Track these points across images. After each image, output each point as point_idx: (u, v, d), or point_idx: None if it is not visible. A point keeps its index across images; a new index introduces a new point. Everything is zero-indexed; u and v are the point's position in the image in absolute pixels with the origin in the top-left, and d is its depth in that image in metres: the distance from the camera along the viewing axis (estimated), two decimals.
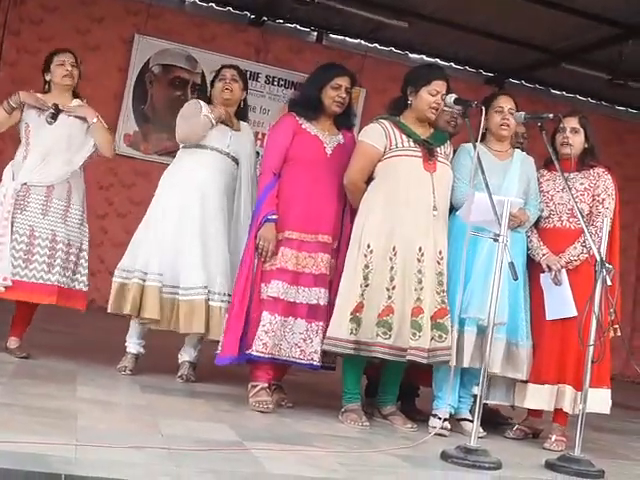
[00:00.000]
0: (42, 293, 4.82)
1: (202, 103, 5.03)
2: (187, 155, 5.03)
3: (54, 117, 4.93)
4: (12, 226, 4.79)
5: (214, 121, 4.91)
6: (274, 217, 4.41)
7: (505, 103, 4.66)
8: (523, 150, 4.90)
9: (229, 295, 4.77)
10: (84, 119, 5.01)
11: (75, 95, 5.13)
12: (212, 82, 5.20)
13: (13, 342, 4.91)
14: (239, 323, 4.36)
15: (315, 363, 4.41)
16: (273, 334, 4.32)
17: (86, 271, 5.06)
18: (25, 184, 4.85)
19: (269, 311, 4.35)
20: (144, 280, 4.79)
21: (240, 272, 4.46)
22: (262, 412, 4.23)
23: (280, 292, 4.35)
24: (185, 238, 4.85)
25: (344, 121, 4.73)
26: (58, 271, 4.85)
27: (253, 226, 4.46)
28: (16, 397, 3.69)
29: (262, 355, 4.31)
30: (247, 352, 4.34)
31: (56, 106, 4.96)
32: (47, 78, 5.08)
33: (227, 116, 5.01)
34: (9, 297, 4.80)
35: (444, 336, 4.30)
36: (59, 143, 4.94)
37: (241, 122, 5.18)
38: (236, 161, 5.03)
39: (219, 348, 4.42)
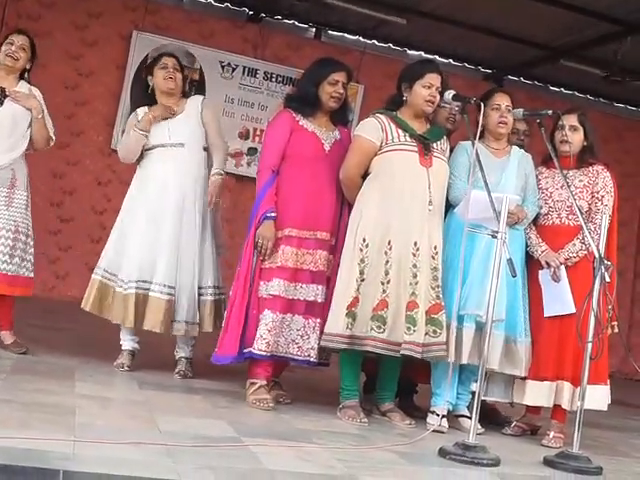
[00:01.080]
0: (25, 286, 4.83)
1: (139, 112, 5.04)
2: (144, 158, 5.04)
3: (0, 103, 4.80)
4: None
5: (144, 132, 4.90)
6: (273, 215, 4.40)
7: (502, 100, 4.66)
8: (523, 147, 4.90)
9: (170, 287, 4.80)
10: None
11: (22, 78, 4.99)
12: (150, 69, 5.13)
13: (7, 337, 4.89)
14: (239, 322, 4.35)
15: (312, 359, 4.43)
16: (275, 332, 4.33)
17: (32, 257, 4.96)
18: None
19: (271, 309, 4.35)
20: (99, 275, 4.92)
21: (239, 271, 4.45)
22: (262, 408, 4.24)
23: (281, 290, 4.35)
24: (134, 234, 4.89)
25: (340, 117, 4.72)
26: (3, 259, 4.77)
27: (252, 224, 4.44)
28: (14, 393, 3.69)
29: (264, 353, 4.31)
30: (247, 350, 4.34)
31: (2, 90, 4.82)
32: None
33: (161, 112, 4.94)
34: None
35: (439, 331, 4.30)
36: (2, 129, 4.81)
37: (188, 99, 5.13)
38: (183, 145, 4.98)
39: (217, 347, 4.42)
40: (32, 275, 4.97)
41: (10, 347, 4.84)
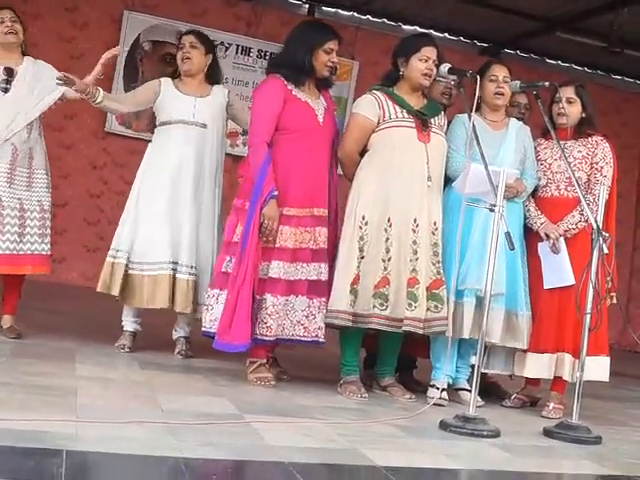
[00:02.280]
0: (16, 264, 4.74)
1: (162, 80, 5.02)
2: (159, 134, 5.01)
3: (8, 82, 4.70)
4: None
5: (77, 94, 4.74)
6: (276, 193, 4.25)
7: (499, 72, 4.64)
8: (524, 121, 4.88)
9: (195, 267, 4.82)
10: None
11: (24, 53, 4.90)
12: (177, 49, 5.13)
13: (7, 321, 4.89)
14: (248, 307, 4.19)
15: (320, 339, 4.39)
16: (277, 316, 4.28)
17: (49, 233, 4.91)
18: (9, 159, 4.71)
19: (271, 293, 4.28)
20: (115, 257, 4.85)
21: (244, 253, 4.24)
22: (263, 385, 4.25)
23: (281, 272, 4.28)
24: (156, 214, 4.85)
25: (325, 82, 4.57)
26: (29, 240, 4.76)
27: (256, 204, 4.24)
28: (15, 376, 3.69)
29: (267, 338, 4.28)
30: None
31: (9, 71, 4.73)
32: None
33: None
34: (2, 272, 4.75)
35: (440, 307, 4.31)
36: (18, 109, 4.71)
37: (214, 86, 5.10)
38: (205, 127, 4.97)
39: (207, 325, 4.35)
40: (50, 253, 4.93)
41: (5, 331, 4.82)
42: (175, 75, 5.10)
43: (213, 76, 5.12)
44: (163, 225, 4.83)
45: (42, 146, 4.94)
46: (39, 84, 4.82)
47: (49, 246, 4.88)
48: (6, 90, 4.72)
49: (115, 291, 4.79)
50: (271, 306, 4.26)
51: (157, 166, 4.92)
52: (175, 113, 4.93)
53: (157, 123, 5.05)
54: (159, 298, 4.77)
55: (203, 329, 4.41)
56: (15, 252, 4.71)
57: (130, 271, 4.81)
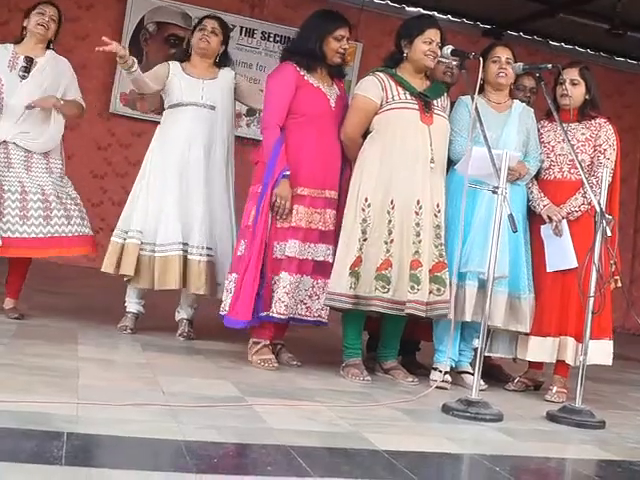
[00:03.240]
0: (44, 247, 4.76)
1: (170, 64, 5.04)
2: (169, 115, 5.02)
3: (27, 71, 4.78)
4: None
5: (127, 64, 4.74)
6: (288, 173, 4.30)
7: (502, 53, 4.61)
8: (530, 104, 4.85)
9: (208, 249, 4.82)
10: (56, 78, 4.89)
11: (49, 47, 4.98)
12: (193, 31, 5.12)
13: (8, 303, 4.89)
14: (254, 285, 4.24)
15: (323, 320, 4.42)
16: (292, 294, 4.30)
17: (85, 216, 4.97)
18: (4, 142, 4.74)
19: (288, 271, 4.29)
20: (125, 239, 4.83)
21: (253, 233, 4.31)
22: (266, 367, 4.25)
23: (296, 251, 4.30)
24: (166, 196, 4.84)
25: (338, 70, 4.64)
26: (57, 222, 4.77)
27: (268, 184, 4.30)
28: (17, 357, 3.70)
29: (283, 317, 4.29)
30: (263, 314, 4.28)
31: (29, 59, 4.79)
32: (25, 24, 4.93)
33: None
34: (7, 255, 4.75)
35: (442, 289, 4.30)
36: (33, 98, 4.76)
37: (221, 69, 5.10)
38: (214, 109, 4.98)
39: (225, 308, 4.36)
40: (91, 233, 4.96)
41: (6, 312, 4.83)
42: (183, 58, 5.10)
43: (221, 62, 5.14)
44: (173, 206, 4.83)
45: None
46: (57, 78, 4.91)
47: (76, 228, 4.88)
48: (24, 77, 4.79)
49: (129, 271, 4.77)
50: (288, 284, 4.29)
51: (167, 148, 4.93)
52: (184, 95, 4.94)
53: (166, 106, 5.06)
54: (170, 279, 4.76)
55: (220, 312, 4.41)
56: (41, 235, 4.74)
57: (141, 252, 4.81)
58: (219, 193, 4.96)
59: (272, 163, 4.33)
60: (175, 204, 4.83)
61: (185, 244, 4.81)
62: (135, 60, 4.80)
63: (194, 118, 4.92)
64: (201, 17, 5.25)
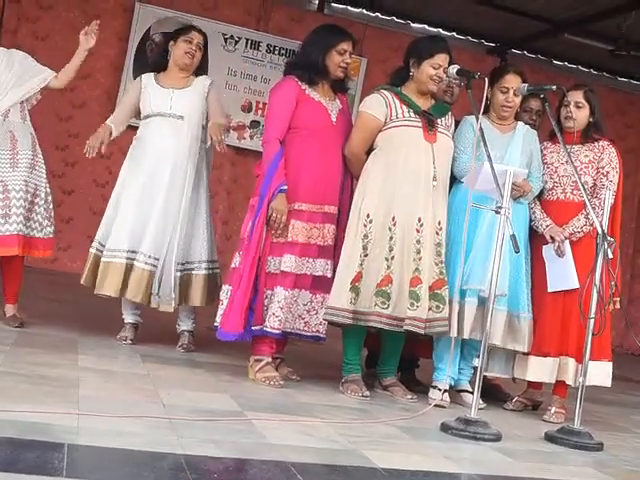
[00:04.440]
0: (9, 244, 4.71)
1: (143, 77, 5.04)
2: (142, 127, 5.02)
3: None
4: None
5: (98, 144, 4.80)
6: (285, 188, 4.31)
7: (511, 83, 4.60)
8: (535, 126, 4.87)
9: (155, 258, 4.80)
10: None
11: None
12: (175, 36, 5.07)
13: (9, 310, 4.89)
14: (245, 298, 4.26)
15: (321, 335, 4.42)
16: (287, 309, 4.31)
17: (46, 216, 4.93)
18: None
19: (283, 286, 4.30)
20: (91, 247, 4.90)
21: (248, 246, 4.32)
22: (270, 385, 4.22)
23: (292, 266, 4.31)
24: (127, 204, 4.86)
25: (340, 85, 4.64)
26: (15, 220, 4.73)
27: (264, 197, 4.31)
28: (18, 366, 3.70)
29: (277, 331, 4.29)
30: (257, 328, 4.29)
31: None
32: None
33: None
34: None
35: (442, 307, 4.31)
36: None
37: (197, 77, 5.08)
38: (182, 118, 4.94)
39: (217, 320, 4.37)
40: (52, 236, 4.95)
41: (7, 320, 4.83)
42: (160, 67, 5.08)
43: (198, 70, 5.13)
44: (129, 213, 4.83)
45: (26, 130, 4.94)
46: (8, 72, 4.86)
47: (40, 229, 4.88)
48: None
49: (83, 279, 4.86)
50: (283, 299, 4.29)
51: (137, 159, 4.95)
52: (153, 106, 4.95)
53: (141, 117, 5.05)
54: (107, 284, 4.76)
55: (214, 324, 4.41)
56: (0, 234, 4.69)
57: (102, 259, 4.84)
58: (179, 204, 4.87)
59: (270, 177, 4.34)
60: (131, 212, 4.83)
61: (133, 252, 4.80)
62: (110, 128, 4.89)
63: (161, 127, 4.91)
64: (185, 26, 5.25)
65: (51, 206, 4.98)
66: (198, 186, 4.98)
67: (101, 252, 4.86)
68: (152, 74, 5.06)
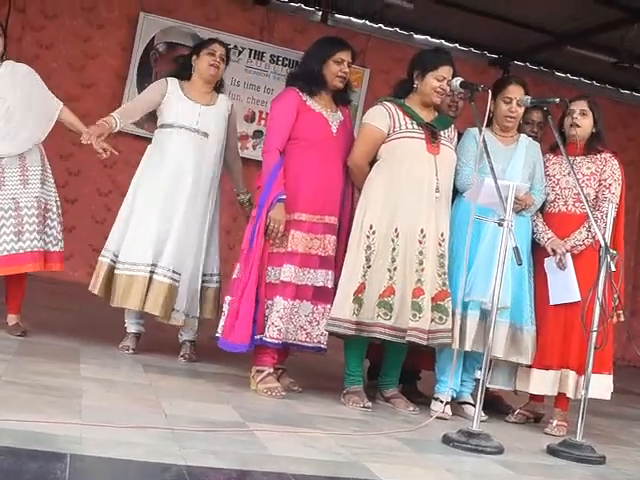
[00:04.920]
0: (23, 262, 4.73)
1: (169, 80, 5.02)
2: (160, 136, 5.00)
3: None
4: None
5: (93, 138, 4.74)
6: (283, 197, 4.32)
7: (515, 93, 4.61)
8: (537, 139, 4.87)
9: (175, 273, 4.80)
10: None
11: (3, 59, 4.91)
12: (197, 50, 5.10)
13: (11, 319, 4.90)
14: (250, 309, 4.26)
15: (322, 346, 4.42)
16: (287, 319, 4.30)
17: (60, 230, 4.94)
18: None
19: (282, 296, 4.30)
20: (103, 256, 4.89)
21: (247, 256, 4.34)
22: (272, 396, 4.21)
23: (292, 276, 4.31)
24: (147, 217, 4.85)
25: (342, 97, 4.66)
26: (29, 237, 4.74)
27: (263, 207, 4.33)
28: (20, 375, 3.70)
29: (276, 341, 4.28)
30: (258, 337, 4.29)
31: None
32: None
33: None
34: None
35: (444, 318, 4.31)
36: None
37: (220, 95, 5.14)
38: (207, 136, 4.98)
39: (219, 331, 4.37)
40: (61, 250, 4.94)
41: (10, 329, 4.83)
42: (183, 77, 5.07)
43: (221, 86, 5.19)
44: (151, 227, 4.82)
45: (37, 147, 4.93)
46: (18, 88, 4.82)
47: (56, 243, 4.89)
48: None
49: (97, 290, 4.84)
50: (282, 309, 4.29)
51: (156, 170, 4.92)
52: (179, 118, 4.94)
53: (158, 124, 5.03)
54: (131, 298, 4.75)
55: (216, 334, 4.41)
56: (14, 252, 4.72)
57: (115, 270, 4.83)
58: (198, 220, 4.93)
59: (269, 187, 4.35)
60: (153, 226, 4.82)
61: (154, 265, 4.80)
62: (115, 120, 4.82)
63: (186, 142, 4.91)
64: (206, 39, 5.25)
65: (60, 218, 4.98)
66: (214, 201, 5.03)
67: (115, 263, 4.84)
68: (177, 80, 5.04)
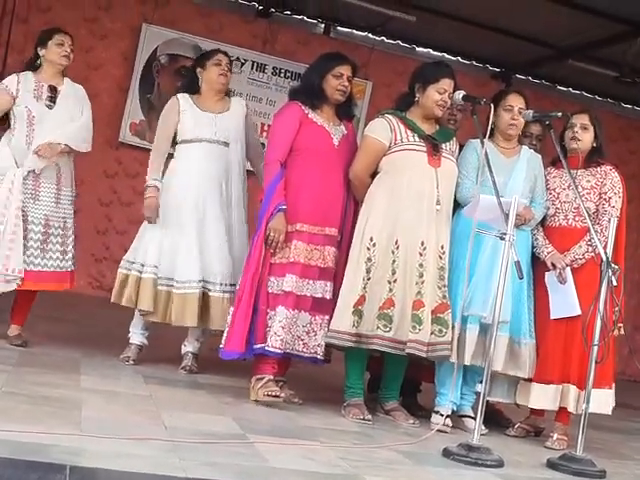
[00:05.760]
0: (58, 281, 4.88)
1: (179, 97, 5.04)
2: (183, 151, 5.02)
3: (52, 100, 4.89)
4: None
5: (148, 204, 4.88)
6: (284, 207, 4.34)
7: (515, 102, 4.64)
8: (536, 152, 4.88)
9: (231, 285, 4.81)
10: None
11: (63, 74, 5.08)
12: (201, 62, 5.12)
13: (14, 330, 4.91)
14: (246, 318, 4.29)
15: (319, 356, 4.42)
16: (288, 329, 4.31)
17: (73, 250, 5.02)
18: (33, 171, 4.81)
19: (284, 306, 4.31)
20: (141, 272, 4.84)
21: (247, 265, 4.39)
22: (274, 399, 4.21)
23: (294, 286, 4.32)
24: (183, 232, 4.86)
25: (345, 111, 4.69)
26: (63, 257, 4.90)
27: (263, 218, 4.36)
28: (20, 386, 3.71)
29: (278, 351, 4.29)
30: (258, 347, 4.30)
31: (53, 89, 4.92)
32: (40, 53, 4.99)
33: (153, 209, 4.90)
34: (28, 288, 4.82)
35: (444, 331, 4.31)
36: (63, 125, 4.90)
37: (232, 98, 5.18)
38: (227, 145, 5.01)
39: (222, 342, 4.39)
40: (74, 268, 5.03)
41: (11, 339, 4.85)
42: (192, 90, 5.10)
43: (229, 91, 5.22)
44: (191, 243, 4.84)
45: (70, 166, 5.05)
46: (78, 105, 5.04)
47: (70, 263, 4.97)
48: (51, 107, 4.91)
49: (147, 306, 4.79)
50: (284, 319, 4.30)
51: (182, 184, 4.93)
52: (197, 131, 4.96)
53: (178, 140, 5.03)
54: (188, 316, 4.77)
55: (220, 346, 4.42)
56: (39, 268, 4.81)
57: (158, 287, 4.82)
58: (237, 228, 4.99)
59: (269, 198, 4.39)
60: (193, 241, 4.84)
61: (205, 281, 4.83)
62: (157, 186, 4.92)
63: (208, 154, 4.94)
64: (208, 51, 5.31)
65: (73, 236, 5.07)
66: (243, 209, 5.05)
67: (163, 279, 4.83)
68: (187, 96, 5.06)
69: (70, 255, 4.97)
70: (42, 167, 4.81)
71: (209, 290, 4.83)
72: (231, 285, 4.83)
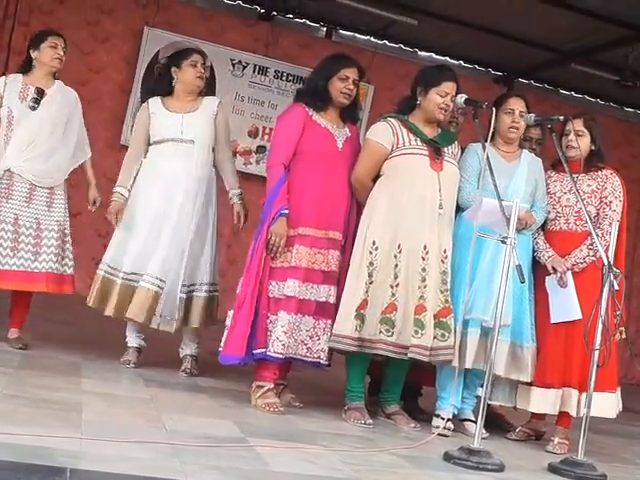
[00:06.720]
0: (32, 281, 4.83)
1: (150, 102, 5.05)
2: (152, 151, 5.03)
3: (37, 102, 4.87)
4: None
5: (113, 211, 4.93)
6: (286, 212, 4.32)
7: (516, 105, 4.64)
8: (537, 155, 4.87)
9: (191, 285, 4.88)
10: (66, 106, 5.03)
11: (55, 77, 5.07)
12: (177, 61, 5.08)
13: (13, 333, 4.92)
14: (247, 322, 4.26)
15: (322, 361, 4.40)
16: (290, 334, 4.29)
17: (72, 255, 5.04)
18: (9, 170, 4.83)
19: (287, 310, 4.29)
20: (106, 272, 4.91)
21: (248, 269, 4.35)
22: (272, 413, 4.19)
23: (296, 291, 4.30)
24: (148, 231, 4.88)
25: (350, 114, 4.67)
26: (45, 258, 4.85)
27: (265, 222, 4.34)
28: (21, 389, 3.70)
29: (280, 356, 4.27)
30: (259, 351, 4.28)
31: (40, 91, 4.90)
32: (33, 55, 4.98)
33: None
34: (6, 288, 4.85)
35: (447, 335, 4.30)
36: (43, 128, 4.89)
37: (205, 98, 5.14)
38: (193, 143, 4.98)
39: (221, 345, 4.37)
40: (73, 273, 5.04)
41: (11, 341, 4.85)
42: (165, 92, 5.09)
43: (206, 91, 5.22)
44: (141, 236, 4.87)
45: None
46: (63, 109, 5.01)
47: (70, 267, 5.00)
48: (34, 108, 4.89)
49: (90, 302, 4.89)
50: (287, 324, 4.28)
51: (148, 182, 4.96)
52: (164, 132, 4.97)
53: (150, 141, 5.04)
54: (137, 310, 4.76)
55: (219, 349, 4.40)
56: (29, 270, 4.81)
57: (117, 280, 4.87)
58: (191, 226, 4.91)
59: (271, 201, 4.37)
60: (145, 238, 4.87)
61: (140, 274, 4.83)
62: (123, 194, 4.97)
63: (174, 152, 4.94)
64: (183, 50, 5.33)
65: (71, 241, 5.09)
66: (207, 209, 5.01)
67: (110, 275, 4.88)
68: (158, 99, 5.07)
69: (68, 260, 4.98)
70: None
71: (139, 282, 4.80)
72: (161, 280, 4.80)
